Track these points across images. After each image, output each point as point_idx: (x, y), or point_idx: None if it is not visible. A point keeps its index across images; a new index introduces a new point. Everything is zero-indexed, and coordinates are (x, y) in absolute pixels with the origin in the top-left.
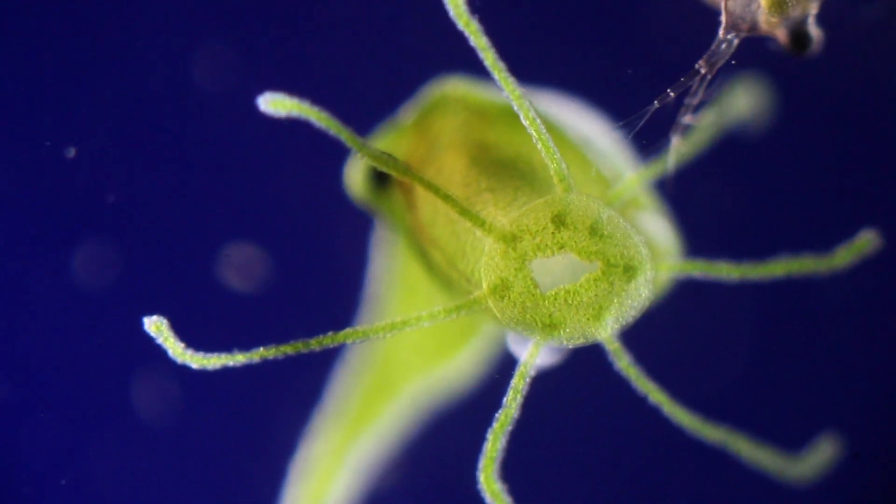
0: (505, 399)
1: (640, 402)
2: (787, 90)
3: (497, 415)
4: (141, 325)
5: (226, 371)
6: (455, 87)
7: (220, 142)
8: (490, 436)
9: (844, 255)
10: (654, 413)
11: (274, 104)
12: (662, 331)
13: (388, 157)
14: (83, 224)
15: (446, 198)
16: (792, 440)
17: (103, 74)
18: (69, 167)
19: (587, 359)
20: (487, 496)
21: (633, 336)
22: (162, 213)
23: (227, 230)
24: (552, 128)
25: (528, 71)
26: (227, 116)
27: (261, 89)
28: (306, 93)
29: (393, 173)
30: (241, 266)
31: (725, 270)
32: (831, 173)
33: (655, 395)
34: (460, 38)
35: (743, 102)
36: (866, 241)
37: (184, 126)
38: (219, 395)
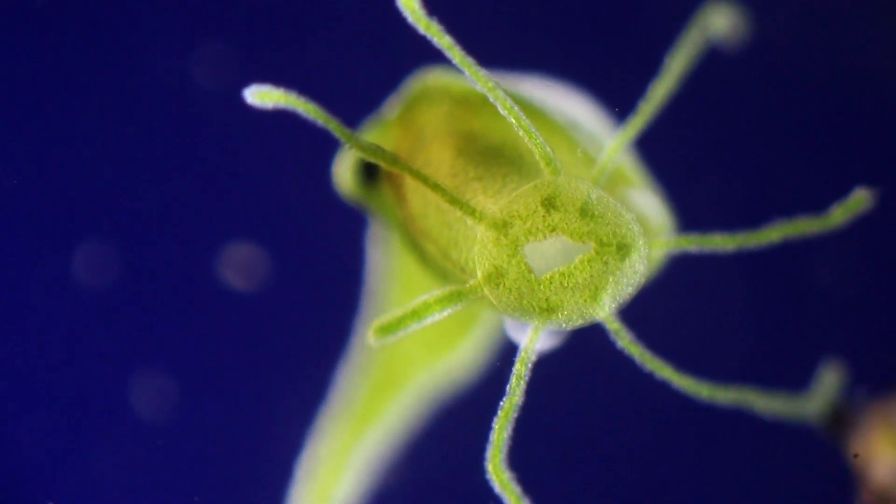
0: (508, 386)
1: (645, 379)
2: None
3: (501, 403)
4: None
5: (230, 371)
6: (436, 78)
7: (209, 144)
8: (495, 425)
9: (840, 215)
10: (657, 391)
11: (260, 96)
12: (662, 306)
13: (377, 148)
14: (82, 224)
15: (436, 186)
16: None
17: (97, 75)
18: (67, 167)
19: (588, 340)
20: (496, 486)
21: (634, 313)
22: (154, 214)
23: (222, 232)
24: (536, 111)
25: (510, 54)
26: (211, 119)
27: (245, 89)
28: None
29: (382, 163)
30: (237, 265)
31: (720, 242)
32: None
33: (661, 370)
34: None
35: (718, 26)
36: (861, 198)
37: (172, 130)
38: (223, 395)
